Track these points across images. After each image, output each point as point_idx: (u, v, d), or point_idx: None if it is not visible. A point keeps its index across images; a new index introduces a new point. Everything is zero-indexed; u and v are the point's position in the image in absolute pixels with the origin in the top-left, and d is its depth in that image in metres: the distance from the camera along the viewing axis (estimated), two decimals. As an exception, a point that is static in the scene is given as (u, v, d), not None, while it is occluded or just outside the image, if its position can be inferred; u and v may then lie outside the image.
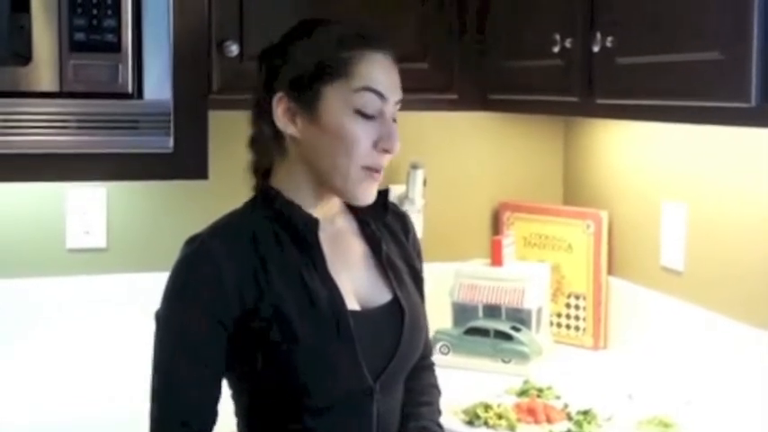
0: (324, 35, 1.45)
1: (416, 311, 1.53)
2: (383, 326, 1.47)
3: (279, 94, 1.44)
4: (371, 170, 1.43)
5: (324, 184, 1.46)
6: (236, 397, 1.48)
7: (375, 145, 1.43)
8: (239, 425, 1.50)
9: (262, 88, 1.47)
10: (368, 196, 1.46)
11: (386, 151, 1.43)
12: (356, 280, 1.49)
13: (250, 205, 1.50)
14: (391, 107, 1.45)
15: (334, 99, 1.42)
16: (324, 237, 1.46)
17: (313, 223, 1.45)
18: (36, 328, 2.18)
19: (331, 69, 1.42)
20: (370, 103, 1.42)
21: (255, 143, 1.51)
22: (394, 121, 1.46)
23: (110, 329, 2.22)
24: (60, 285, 2.21)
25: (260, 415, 1.46)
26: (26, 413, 1.96)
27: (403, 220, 1.63)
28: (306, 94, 1.43)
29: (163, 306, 1.42)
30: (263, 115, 1.48)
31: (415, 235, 1.65)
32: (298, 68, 1.44)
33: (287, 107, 1.44)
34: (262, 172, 1.51)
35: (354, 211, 1.55)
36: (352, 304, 1.45)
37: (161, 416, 1.41)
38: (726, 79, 1.44)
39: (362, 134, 1.42)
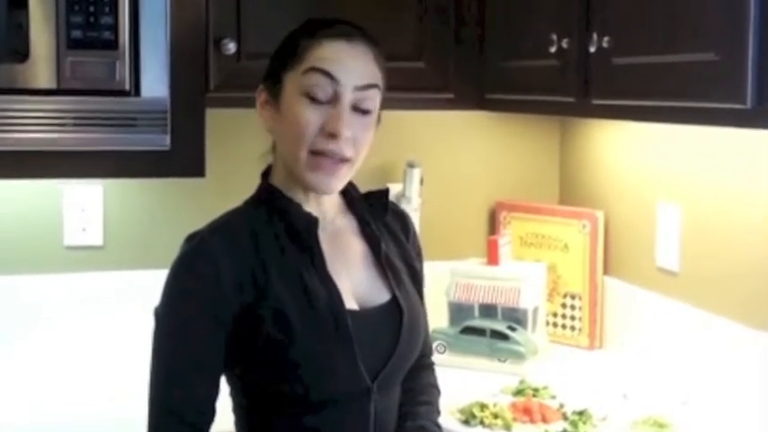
0: (303, 30, 1.46)
1: (415, 311, 1.53)
2: (381, 326, 1.47)
3: (259, 87, 1.48)
4: (318, 155, 1.40)
5: (293, 176, 1.45)
6: (234, 394, 1.48)
7: (322, 130, 1.40)
8: (236, 423, 1.50)
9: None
10: (320, 184, 1.43)
11: (330, 135, 1.40)
12: (355, 279, 1.49)
13: (250, 203, 1.50)
14: (350, 93, 1.41)
15: (290, 85, 1.43)
16: (323, 236, 1.46)
17: (313, 222, 1.45)
18: (33, 326, 2.19)
19: (289, 56, 1.43)
20: (317, 84, 1.40)
21: None
22: (364, 112, 1.43)
23: (107, 327, 2.23)
24: (57, 282, 2.21)
25: (257, 413, 1.46)
26: (24, 411, 1.96)
27: (403, 219, 1.63)
28: (274, 84, 1.45)
29: (162, 303, 1.42)
30: None
31: (415, 235, 1.64)
32: (272, 61, 1.47)
33: (265, 100, 1.47)
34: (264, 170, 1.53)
35: (354, 210, 1.55)
36: (351, 304, 1.45)
37: (159, 412, 1.41)
38: (722, 80, 1.44)
39: (310, 117, 1.40)
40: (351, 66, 1.41)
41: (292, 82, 1.42)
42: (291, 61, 1.43)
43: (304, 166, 1.42)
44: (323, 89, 1.40)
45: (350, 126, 1.41)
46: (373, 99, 1.44)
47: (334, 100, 1.41)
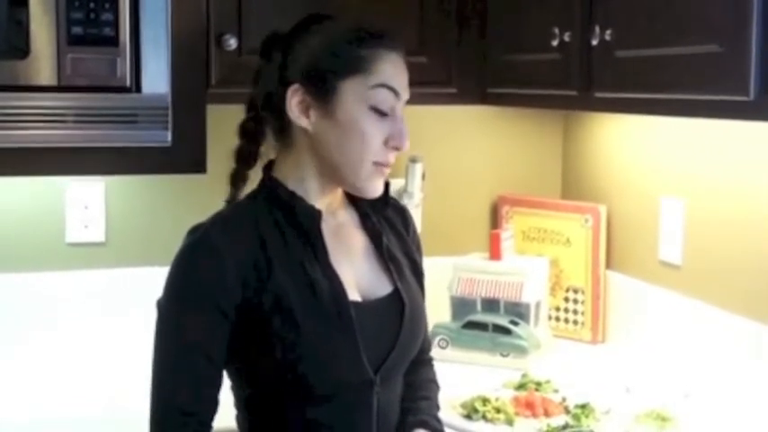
0: (341, 32, 1.46)
1: (417, 304, 1.54)
2: (384, 317, 1.48)
3: (294, 86, 1.45)
4: (381, 165, 1.46)
5: (332, 177, 1.47)
6: (236, 388, 1.49)
7: (386, 142, 1.45)
8: (239, 417, 1.51)
9: (276, 79, 1.47)
10: (376, 190, 1.48)
11: (396, 148, 1.45)
12: (357, 272, 1.50)
13: (253, 196, 1.51)
14: (401, 105, 1.47)
15: (350, 94, 1.43)
16: (326, 228, 1.47)
17: (316, 215, 1.46)
18: (35, 323, 2.18)
19: (350, 66, 1.43)
20: (385, 99, 1.44)
21: (247, 132, 1.52)
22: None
23: (109, 324, 2.22)
24: (59, 280, 2.21)
25: (260, 406, 1.46)
26: (26, 408, 1.96)
27: (403, 214, 1.64)
28: (323, 87, 1.44)
29: (164, 294, 1.43)
30: (270, 106, 1.48)
31: (414, 229, 1.66)
32: (316, 62, 1.44)
33: (301, 99, 1.45)
34: (247, 161, 1.52)
35: (356, 203, 1.56)
36: (354, 295, 1.46)
37: (161, 404, 1.42)
38: (725, 72, 1.44)
39: (376, 131, 1.44)
40: (405, 81, 1.48)
41: (355, 93, 1.43)
42: (351, 71, 1.43)
43: (366, 176, 1.45)
44: (386, 103, 1.44)
45: None
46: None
47: (392, 112, 1.45)
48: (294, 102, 1.45)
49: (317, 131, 1.45)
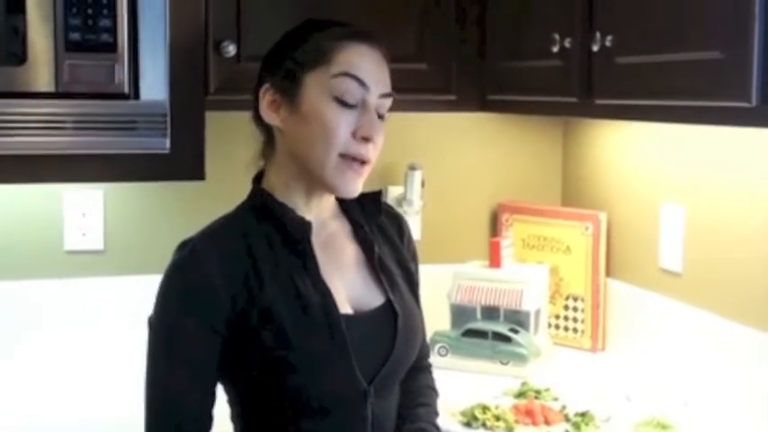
0: (315, 29, 1.45)
1: (410, 314, 1.52)
2: (377, 329, 1.46)
3: (265, 86, 1.45)
4: (349, 158, 1.41)
5: (308, 177, 1.45)
6: (232, 402, 1.47)
7: (354, 134, 1.41)
8: (235, 430, 1.49)
9: (255, 87, 1.48)
10: (348, 186, 1.43)
11: (364, 139, 1.41)
12: (349, 283, 1.48)
13: (242, 208, 1.49)
14: (375, 99, 1.43)
15: (314, 86, 1.42)
16: (316, 240, 1.46)
17: (306, 227, 1.44)
18: (33, 331, 2.17)
19: (313, 58, 1.42)
20: (348, 89, 1.41)
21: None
22: (381, 117, 1.45)
23: (107, 332, 2.22)
24: (58, 287, 2.20)
25: (255, 419, 1.45)
26: (23, 415, 1.95)
27: (398, 222, 1.62)
28: (289, 83, 1.43)
29: (155, 311, 1.42)
30: (255, 114, 1.48)
31: (410, 237, 1.63)
32: (284, 60, 1.45)
33: (272, 99, 1.45)
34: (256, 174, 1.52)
35: (348, 213, 1.54)
36: (345, 308, 1.44)
37: (155, 421, 1.41)
38: (726, 79, 1.43)
39: (341, 122, 1.40)
40: (376, 73, 1.43)
41: (318, 85, 1.42)
42: (314, 63, 1.42)
43: (332, 170, 1.41)
44: (352, 93, 1.41)
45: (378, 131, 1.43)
46: (388, 106, 1.46)
47: (361, 105, 1.42)
48: (265, 102, 1.45)
49: (287, 129, 1.44)
